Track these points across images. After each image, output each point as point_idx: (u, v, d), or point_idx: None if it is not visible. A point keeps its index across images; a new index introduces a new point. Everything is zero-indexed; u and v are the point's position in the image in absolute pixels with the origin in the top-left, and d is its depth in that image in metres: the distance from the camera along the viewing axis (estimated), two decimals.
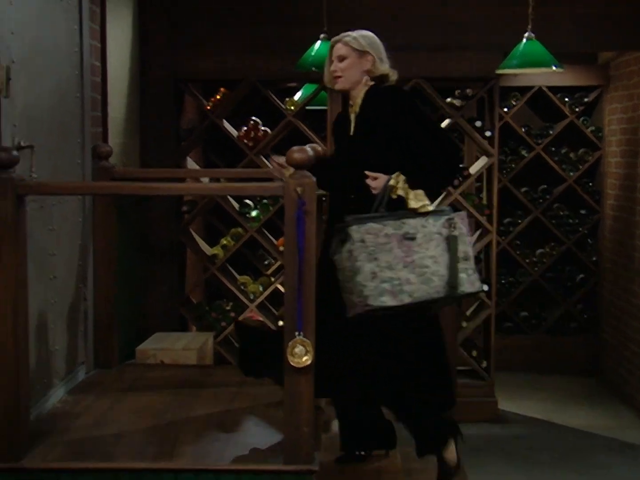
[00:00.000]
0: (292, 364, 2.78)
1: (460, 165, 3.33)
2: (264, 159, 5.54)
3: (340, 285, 3.09)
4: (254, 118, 5.57)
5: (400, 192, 3.13)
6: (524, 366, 6.56)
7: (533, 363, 6.61)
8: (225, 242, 5.58)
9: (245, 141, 5.50)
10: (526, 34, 4.45)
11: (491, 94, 5.34)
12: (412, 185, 3.15)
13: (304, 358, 2.77)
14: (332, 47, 3.31)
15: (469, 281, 3.13)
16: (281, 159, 3.29)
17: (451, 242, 3.11)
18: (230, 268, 5.79)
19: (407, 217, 3.09)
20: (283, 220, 2.83)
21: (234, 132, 5.51)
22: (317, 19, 4.80)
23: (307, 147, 2.88)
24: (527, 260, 6.65)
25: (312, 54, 4.68)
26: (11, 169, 2.86)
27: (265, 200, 5.54)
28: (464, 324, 5.34)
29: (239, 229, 5.59)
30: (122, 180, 3.88)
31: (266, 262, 6.20)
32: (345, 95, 3.45)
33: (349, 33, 3.30)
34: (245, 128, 5.53)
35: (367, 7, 5.24)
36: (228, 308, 5.59)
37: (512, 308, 6.72)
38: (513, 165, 6.63)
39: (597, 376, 6.54)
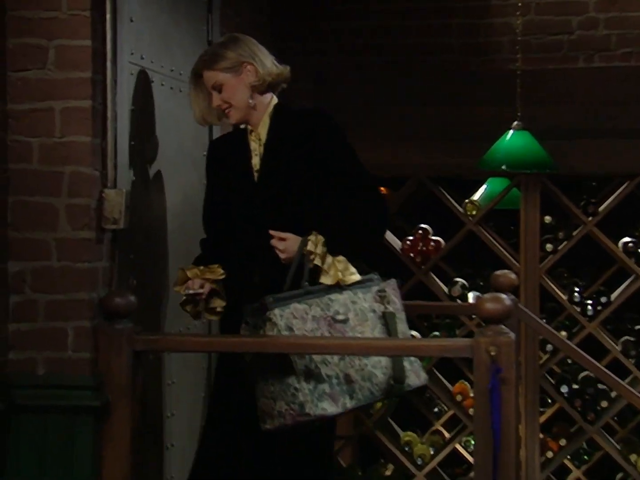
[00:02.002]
0: None
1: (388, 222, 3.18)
2: (437, 281, 5.55)
3: (258, 388, 2.98)
4: (422, 225, 5.63)
5: (317, 262, 3.00)
6: None
7: None
8: None
9: (412, 255, 5.54)
10: None
11: None
12: (333, 248, 3.02)
13: None
14: (198, 78, 3.20)
15: (414, 371, 3.03)
16: None
17: (389, 322, 3.01)
18: (390, 420, 5.77)
19: (333, 292, 3.00)
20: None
21: (397, 243, 5.58)
22: (508, 101, 4.84)
23: (504, 296, 2.86)
24: None
25: (502, 147, 4.71)
26: (127, 318, 3.01)
27: (436, 333, 5.51)
28: None
29: None
30: None
31: (436, 410, 6.12)
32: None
33: (208, 53, 3.22)
34: (411, 238, 5.58)
35: (569, 85, 5.24)
36: (388, 474, 5.53)
37: None
38: None
39: None
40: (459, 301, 5.47)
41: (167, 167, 3.70)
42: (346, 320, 2.99)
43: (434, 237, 5.61)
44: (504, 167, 4.64)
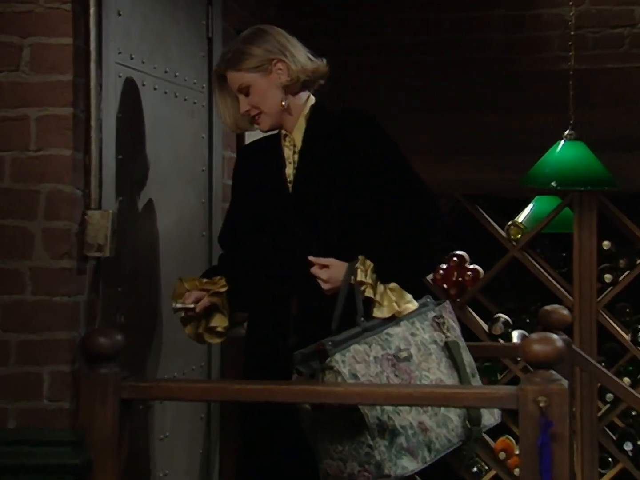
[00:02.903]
0: None
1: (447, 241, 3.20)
2: (475, 317, 5.55)
3: (317, 449, 2.99)
4: (457, 252, 5.64)
5: (369, 293, 3.02)
6: None
7: None
8: None
9: (445, 287, 5.55)
10: None
11: None
12: (384, 275, 3.04)
13: None
14: (222, 79, 3.23)
15: (487, 408, 3.07)
16: None
17: (453, 353, 3.07)
18: None
19: (389, 325, 3.02)
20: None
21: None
22: (559, 106, 4.85)
23: (554, 335, 2.87)
24: None
25: (552, 160, 4.72)
26: (113, 361, 3.02)
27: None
28: None
29: None
30: None
31: (475, 469, 6.11)
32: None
33: (230, 50, 3.21)
34: (444, 267, 5.59)
35: (630, 87, 5.25)
36: None
37: None
38: None
39: None
40: (501, 341, 5.47)
41: (161, 184, 3.72)
42: (409, 357, 3.03)
43: (471, 266, 5.62)
44: (553, 183, 4.65)
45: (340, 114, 3.24)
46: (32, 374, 3.02)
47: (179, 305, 3.20)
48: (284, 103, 3.18)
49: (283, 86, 3.17)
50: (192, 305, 3.18)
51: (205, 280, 3.24)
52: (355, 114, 3.23)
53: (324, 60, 3.24)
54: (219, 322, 3.24)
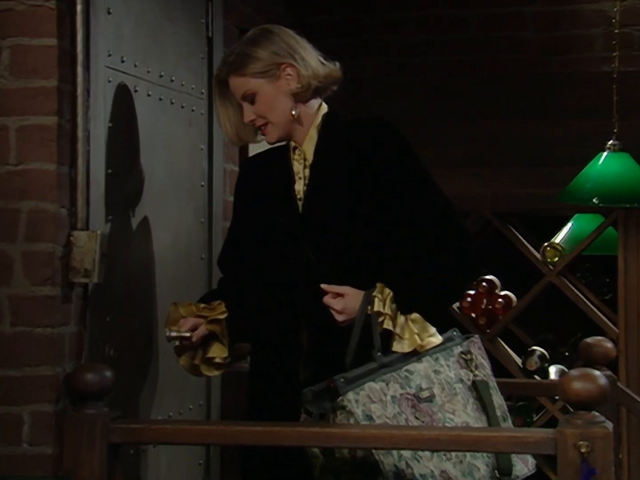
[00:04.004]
0: None
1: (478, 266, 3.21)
2: (508, 350, 5.54)
3: None
4: (487, 277, 5.63)
5: (387, 325, 3.02)
6: None
7: None
8: None
9: (473, 315, 5.55)
10: None
11: None
12: (405, 305, 3.03)
13: None
14: (223, 85, 3.22)
15: (520, 457, 3.06)
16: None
17: (482, 393, 3.06)
18: None
19: (409, 360, 3.02)
20: None
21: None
22: (601, 113, 4.86)
23: (597, 372, 2.86)
24: None
25: (593, 173, 4.72)
26: (101, 400, 3.02)
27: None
28: None
29: None
30: None
31: None
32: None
33: (233, 53, 3.20)
34: (472, 293, 5.59)
35: None
36: None
37: None
38: None
39: None
40: (537, 377, 5.46)
41: (155, 201, 3.74)
42: (432, 398, 3.02)
43: (502, 292, 5.62)
44: (595, 200, 4.65)
45: (356, 123, 3.24)
46: (11, 414, 3.02)
47: (173, 334, 3.19)
48: (293, 112, 3.17)
49: (292, 93, 3.17)
50: (188, 334, 3.17)
51: (202, 305, 3.24)
52: (373, 123, 3.22)
53: (337, 64, 3.24)
54: (218, 352, 3.23)
